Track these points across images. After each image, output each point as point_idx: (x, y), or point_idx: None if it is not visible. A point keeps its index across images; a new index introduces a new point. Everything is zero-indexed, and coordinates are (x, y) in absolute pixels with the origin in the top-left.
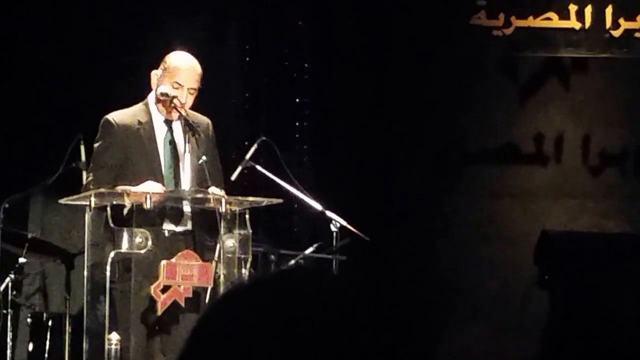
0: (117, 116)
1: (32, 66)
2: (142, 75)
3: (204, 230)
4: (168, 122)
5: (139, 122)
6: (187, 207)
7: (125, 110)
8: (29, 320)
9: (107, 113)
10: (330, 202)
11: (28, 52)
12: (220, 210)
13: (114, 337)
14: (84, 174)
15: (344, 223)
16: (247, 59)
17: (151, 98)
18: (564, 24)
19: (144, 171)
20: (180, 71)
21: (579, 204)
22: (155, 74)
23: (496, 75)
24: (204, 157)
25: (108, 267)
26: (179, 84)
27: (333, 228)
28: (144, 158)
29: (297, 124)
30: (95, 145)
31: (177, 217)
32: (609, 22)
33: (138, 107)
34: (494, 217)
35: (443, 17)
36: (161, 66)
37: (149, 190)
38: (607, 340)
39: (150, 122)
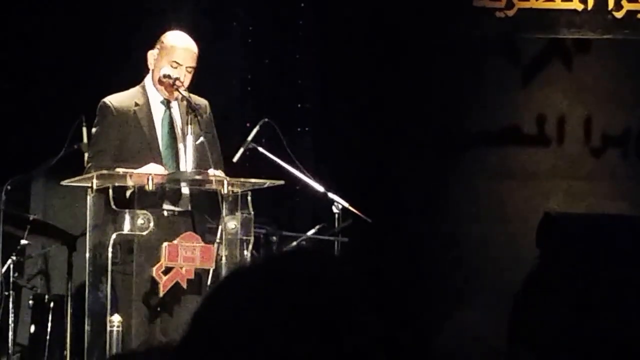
0: (113, 99)
1: (33, 48)
2: (143, 57)
3: (206, 212)
4: (166, 103)
5: (136, 104)
6: (185, 189)
7: (122, 93)
8: (30, 302)
9: (109, 94)
10: (333, 183)
11: (29, 34)
12: (222, 192)
13: (116, 318)
14: (86, 155)
15: (346, 205)
16: (250, 40)
17: (148, 79)
18: (567, 5)
19: (143, 152)
20: (177, 50)
21: (581, 186)
22: (151, 54)
23: (498, 56)
24: (202, 138)
25: (110, 249)
26: (178, 63)
27: (335, 210)
28: (143, 139)
29: (299, 105)
30: (94, 129)
31: (176, 198)
32: (611, 4)
33: (135, 90)
34: (496, 199)
35: None
36: (157, 46)
37: (151, 172)
38: (609, 322)
39: (147, 103)
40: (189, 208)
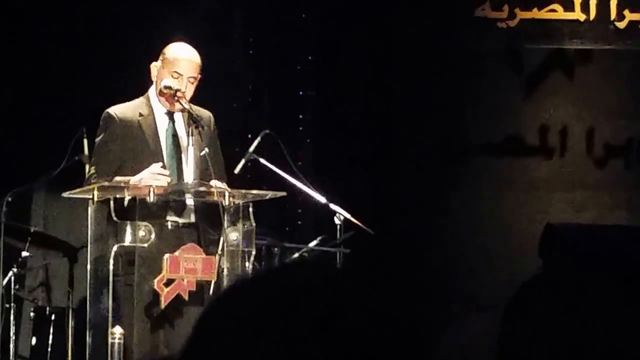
0: (118, 109)
1: (34, 59)
2: (145, 69)
3: (208, 223)
4: (170, 114)
5: (140, 115)
6: (190, 200)
7: (127, 103)
8: (32, 314)
9: (110, 106)
10: (334, 194)
11: (30, 46)
12: (224, 204)
13: (117, 330)
14: (87, 167)
15: (348, 216)
16: (251, 51)
17: (152, 91)
18: (569, 15)
19: (147, 163)
20: (179, 61)
21: (584, 196)
22: (154, 66)
23: (501, 67)
24: (206, 149)
25: (111, 261)
26: (179, 74)
27: (337, 221)
28: (146, 150)
29: (300, 117)
30: (97, 139)
31: (180, 209)
32: (613, 14)
33: (139, 101)
34: (498, 209)
35: (447, 8)
36: (160, 57)
37: (154, 172)
38: (612, 332)
39: (151, 114)
40: (193, 219)
